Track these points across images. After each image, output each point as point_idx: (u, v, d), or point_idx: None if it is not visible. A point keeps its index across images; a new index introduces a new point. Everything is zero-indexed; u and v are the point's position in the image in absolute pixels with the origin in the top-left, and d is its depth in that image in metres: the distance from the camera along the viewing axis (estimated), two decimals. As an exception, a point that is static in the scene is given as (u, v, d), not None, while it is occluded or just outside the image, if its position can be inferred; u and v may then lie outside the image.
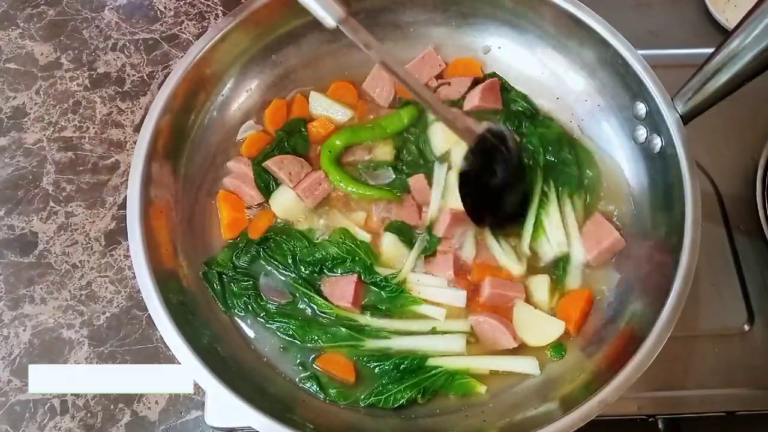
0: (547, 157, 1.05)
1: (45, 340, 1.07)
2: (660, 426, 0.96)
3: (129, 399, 1.02)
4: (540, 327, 0.95)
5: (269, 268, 1.01)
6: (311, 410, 0.90)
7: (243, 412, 0.77)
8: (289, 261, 1.00)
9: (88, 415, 1.01)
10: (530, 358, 0.94)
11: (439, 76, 1.15)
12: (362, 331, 0.96)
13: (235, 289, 0.98)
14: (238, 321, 0.98)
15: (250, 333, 0.97)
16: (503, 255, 0.99)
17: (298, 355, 0.95)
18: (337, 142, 1.07)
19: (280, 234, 1.02)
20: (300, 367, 0.94)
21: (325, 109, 1.12)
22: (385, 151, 1.09)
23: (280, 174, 1.03)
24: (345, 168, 1.07)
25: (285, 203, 1.04)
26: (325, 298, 0.97)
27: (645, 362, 0.79)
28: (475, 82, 1.13)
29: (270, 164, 1.04)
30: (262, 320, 0.97)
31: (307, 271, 0.99)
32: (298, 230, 1.03)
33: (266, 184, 1.05)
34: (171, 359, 1.00)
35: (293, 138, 1.09)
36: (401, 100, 1.12)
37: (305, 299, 0.98)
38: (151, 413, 1.02)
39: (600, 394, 0.77)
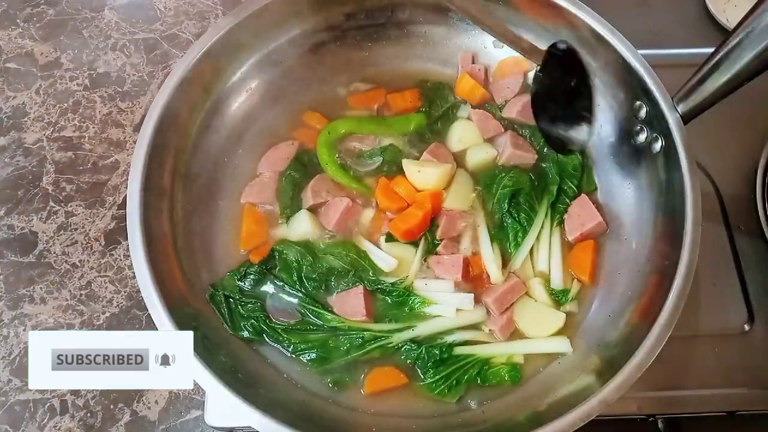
0: (561, 186, 1.06)
1: (45, 340, 1.07)
2: (660, 426, 0.96)
3: (129, 399, 1.02)
4: (541, 319, 0.97)
5: (274, 289, 0.99)
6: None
7: (243, 412, 0.77)
8: (294, 278, 0.98)
9: (88, 414, 1.01)
10: (561, 338, 0.95)
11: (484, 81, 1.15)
12: (385, 331, 0.95)
13: (243, 312, 0.96)
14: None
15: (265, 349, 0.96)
16: (489, 257, 1.00)
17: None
18: (341, 129, 1.09)
19: (282, 247, 1.00)
20: (335, 387, 0.93)
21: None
22: (390, 140, 1.10)
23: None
24: (340, 152, 1.09)
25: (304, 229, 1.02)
26: (335, 314, 0.96)
27: (645, 362, 0.79)
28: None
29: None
30: (275, 344, 0.96)
31: (312, 287, 0.98)
32: (296, 243, 1.01)
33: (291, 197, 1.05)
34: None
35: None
36: (380, 111, 1.13)
37: (314, 316, 0.96)
38: (151, 413, 1.02)
39: (600, 394, 0.77)
